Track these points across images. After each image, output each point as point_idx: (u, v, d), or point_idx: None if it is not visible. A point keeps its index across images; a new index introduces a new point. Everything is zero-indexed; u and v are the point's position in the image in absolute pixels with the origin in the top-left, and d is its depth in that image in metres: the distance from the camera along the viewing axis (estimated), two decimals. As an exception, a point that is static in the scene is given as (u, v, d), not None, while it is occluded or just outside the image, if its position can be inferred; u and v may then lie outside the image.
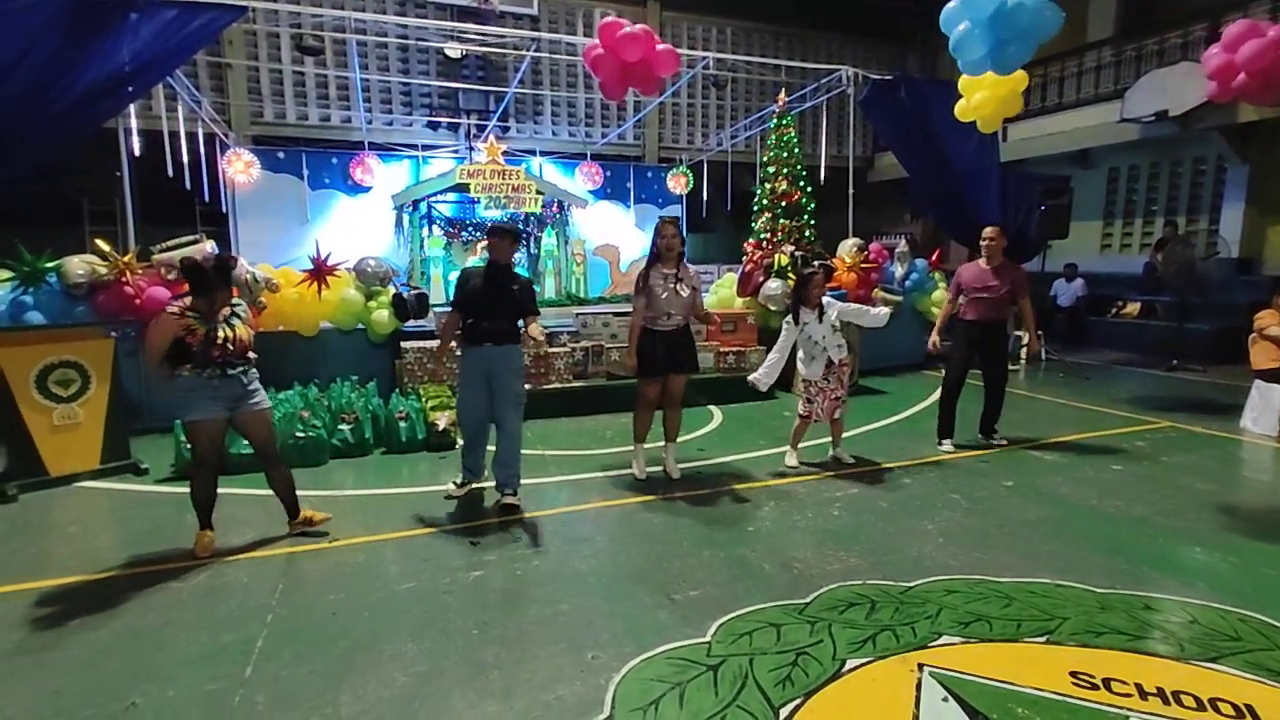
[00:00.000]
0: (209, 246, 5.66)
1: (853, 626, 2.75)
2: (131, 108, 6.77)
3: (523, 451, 4.17)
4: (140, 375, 5.22)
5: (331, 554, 3.48)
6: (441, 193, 10.86)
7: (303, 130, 11.46)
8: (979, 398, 5.45)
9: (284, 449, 4.27)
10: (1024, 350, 8.95)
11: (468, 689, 2.39)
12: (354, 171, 10.81)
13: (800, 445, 5.00)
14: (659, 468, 4.68)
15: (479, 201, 10.63)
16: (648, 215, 12.65)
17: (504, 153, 10.79)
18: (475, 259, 10.37)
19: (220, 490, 3.58)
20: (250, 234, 10.33)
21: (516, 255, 4.62)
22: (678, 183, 12.78)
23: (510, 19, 11.71)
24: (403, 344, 6.35)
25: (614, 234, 12.67)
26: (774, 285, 7.51)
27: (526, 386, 4.32)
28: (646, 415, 4.61)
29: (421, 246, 11.02)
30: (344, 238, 10.07)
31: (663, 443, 4.68)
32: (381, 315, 6.40)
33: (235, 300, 3.51)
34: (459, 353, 4.14)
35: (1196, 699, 2.30)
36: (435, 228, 11.14)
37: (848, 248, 7.87)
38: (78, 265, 5.25)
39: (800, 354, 4.88)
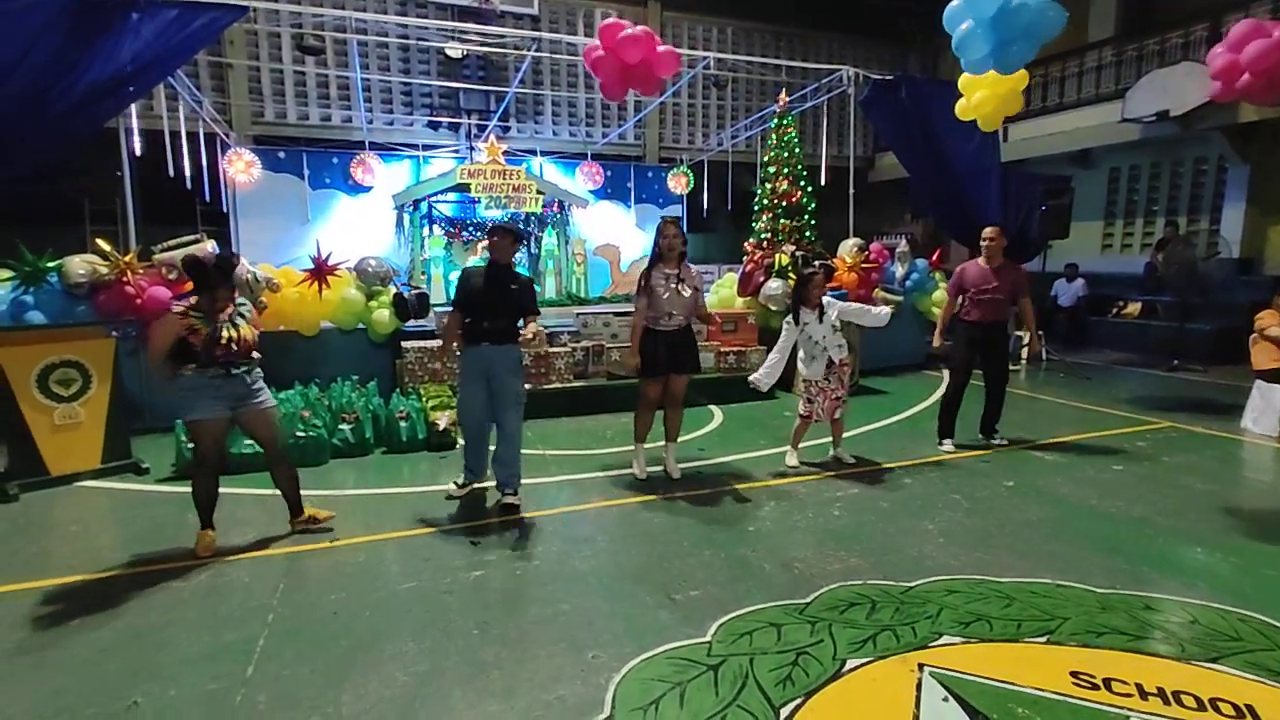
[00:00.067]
0: (210, 246, 5.67)
1: (853, 626, 2.75)
2: (132, 107, 6.77)
3: (523, 451, 4.18)
4: (141, 375, 5.22)
5: (332, 554, 3.49)
6: (442, 193, 10.86)
7: (303, 130, 11.47)
8: (980, 398, 5.45)
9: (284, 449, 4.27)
10: (1025, 350, 8.95)
11: (468, 688, 2.39)
12: (355, 171, 10.82)
13: (801, 445, 5.00)
14: (659, 467, 4.68)
15: (479, 201, 10.63)
16: (648, 215, 12.67)
17: (504, 152, 10.80)
18: (476, 259, 10.38)
19: (221, 490, 3.58)
20: (251, 234, 10.34)
21: (518, 255, 4.63)
22: (678, 183, 12.79)
23: (511, 19, 11.71)
24: (403, 344, 6.35)
25: (614, 234, 12.68)
26: (774, 285, 7.51)
27: (527, 386, 4.32)
28: (647, 415, 4.61)
29: (422, 246, 11.02)
30: (345, 237, 10.09)
31: (663, 442, 4.69)
32: (382, 315, 6.41)
33: (240, 300, 3.51)
34: (458, 352, 4.14)
35: (1197, 699, 2.30)
36: (436, 227, 11.15)
37: (848, 248, 7.87)
38: (79, 265, 5.25)
39: (801, 354, 4.88)
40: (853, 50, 14.62)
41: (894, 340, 7.95)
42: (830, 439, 5.03)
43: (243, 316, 3.45)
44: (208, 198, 9.89)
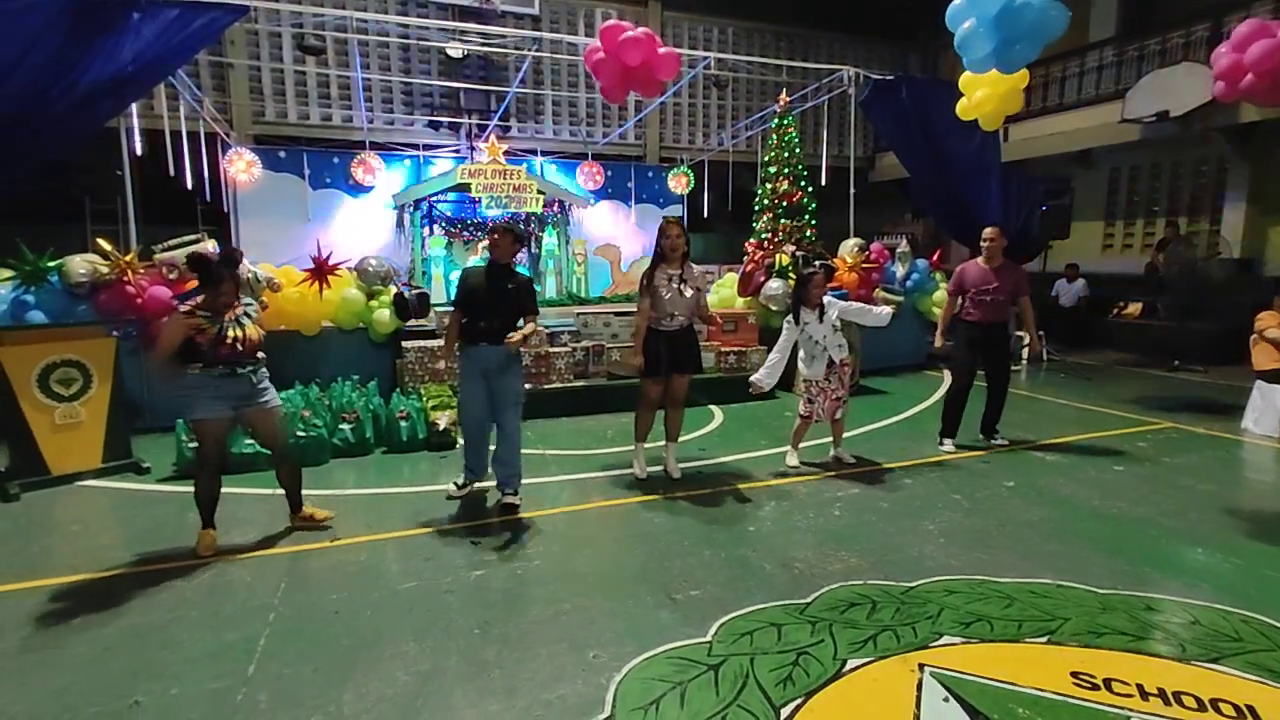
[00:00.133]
0: (210, 246, 5.67)
1: (854, 626, 2.75)
2: (133, 107, 6.78)
3: (524, 451, 4.18)
4: (142, 374, 5.22)
5: (334, 553, 3.49)
6: (442, 192, 10.86)
7: (304, 130, 11.47)
8: (980, 398, 5.44)
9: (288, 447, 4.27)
10: (1025, 350, 8.95)
11: (469, 688, 2.39)
12: (355, 171, 10.83)
13: (801, 445, 5.00)
14: (660, 467, 4.68)
15: (480, 201, 10.63)
16: (649, 215, 12.67)
17: (505, 152, 10.78)
18: (476, 259, 10.38)
19: (223, 489, 3.59)
20: (251, 233, 10.34)
21: (520, 255, 4.62)
22: (679, 183, 12.79)
23: (511, 19, 11.71)
24: (404, 343, 6.35)
25: (615, 234, 12.68)
26: (775, 285, 7.51)
27: (526, 386, 4.32)
28: (648, 415, 4.62)
29: (422, 246, 11.02)
30: (345, 237, 10.10)
31: (664, 442, 4.69)
32: (383, 315, 6.41)
33: (247, 300, 3.51)
34: (458, 352, 4.15)
35: (1198, 699, 2.30)
36: (436, 227, 11.15)
37: (849, 248, 7.87)
38: (79, 264, 5.25)
39: (801, 354, 4.88)
40: (853, 50, 14.62)
41: (894, 340, 7.95)
42: (831, 439, 5.03)
43: (249, 316, 3.45)
44: (208, 197, 9.89)
